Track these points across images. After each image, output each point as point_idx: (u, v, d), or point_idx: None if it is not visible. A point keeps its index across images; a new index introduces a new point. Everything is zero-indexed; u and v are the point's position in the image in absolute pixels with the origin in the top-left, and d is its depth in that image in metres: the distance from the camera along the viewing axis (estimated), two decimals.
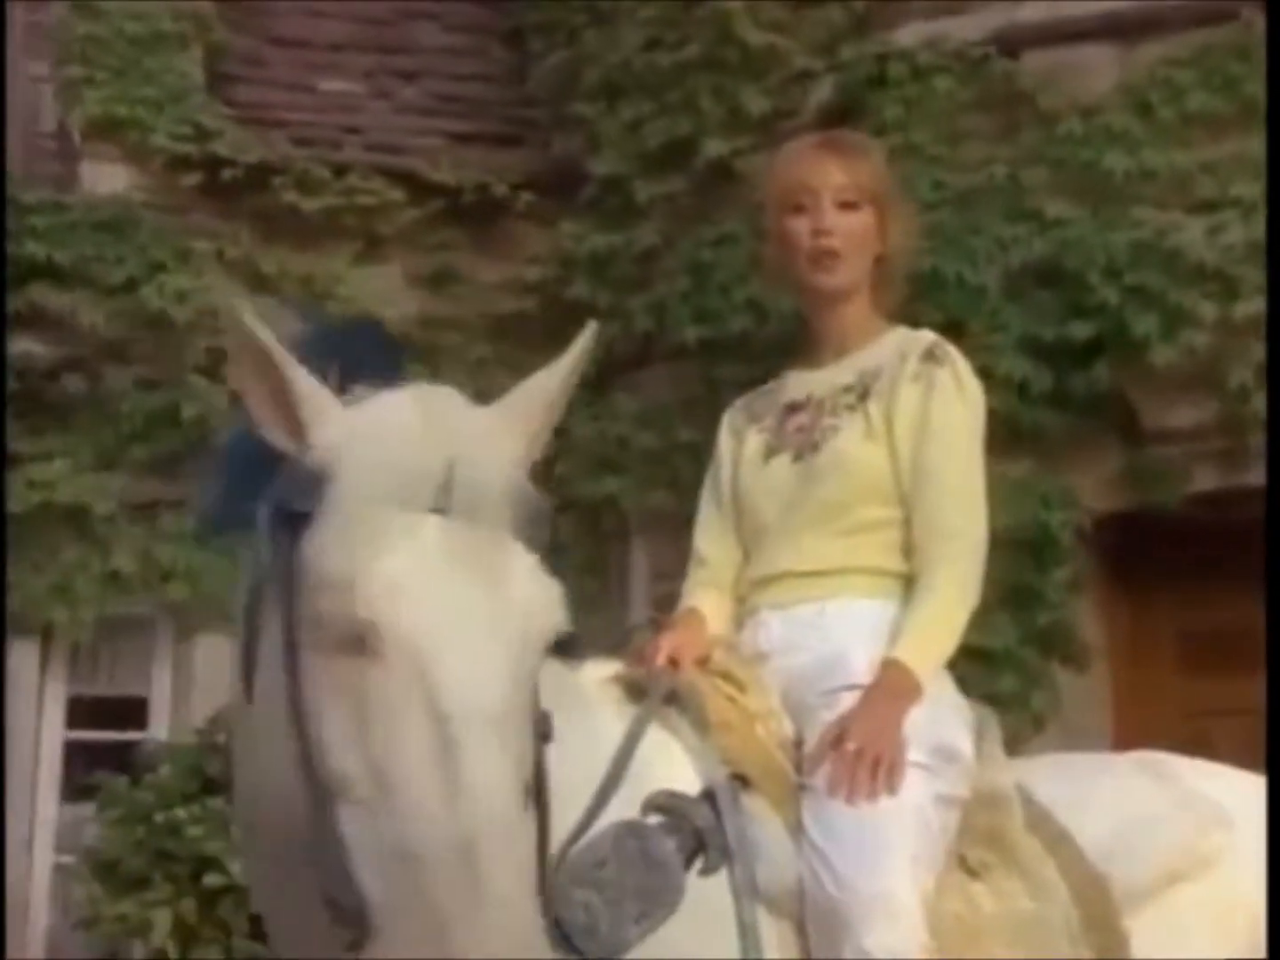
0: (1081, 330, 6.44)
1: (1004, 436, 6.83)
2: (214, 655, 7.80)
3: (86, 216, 8.00)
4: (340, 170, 8.48)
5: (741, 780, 2.42)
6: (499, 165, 8.67)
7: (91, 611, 7.73)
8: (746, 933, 2.28)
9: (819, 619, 2.57)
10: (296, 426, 1.91)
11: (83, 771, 7.37)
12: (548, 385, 2.09)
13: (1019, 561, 6.38)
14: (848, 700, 2.46)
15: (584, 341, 2.13)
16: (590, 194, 8.14)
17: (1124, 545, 6.74)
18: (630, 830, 2.23)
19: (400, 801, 1.69)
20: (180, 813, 6.26)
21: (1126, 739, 5.60)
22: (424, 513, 1.78)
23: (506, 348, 8.25)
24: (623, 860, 2.19)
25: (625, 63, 7.98)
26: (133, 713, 8.07)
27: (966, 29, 7.07)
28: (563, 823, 2.12)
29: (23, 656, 7.82)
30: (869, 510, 2.58)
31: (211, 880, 6.02)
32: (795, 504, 2.63)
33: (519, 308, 8.23)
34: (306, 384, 1.93)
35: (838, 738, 2.38)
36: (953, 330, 6.42)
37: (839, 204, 2.69)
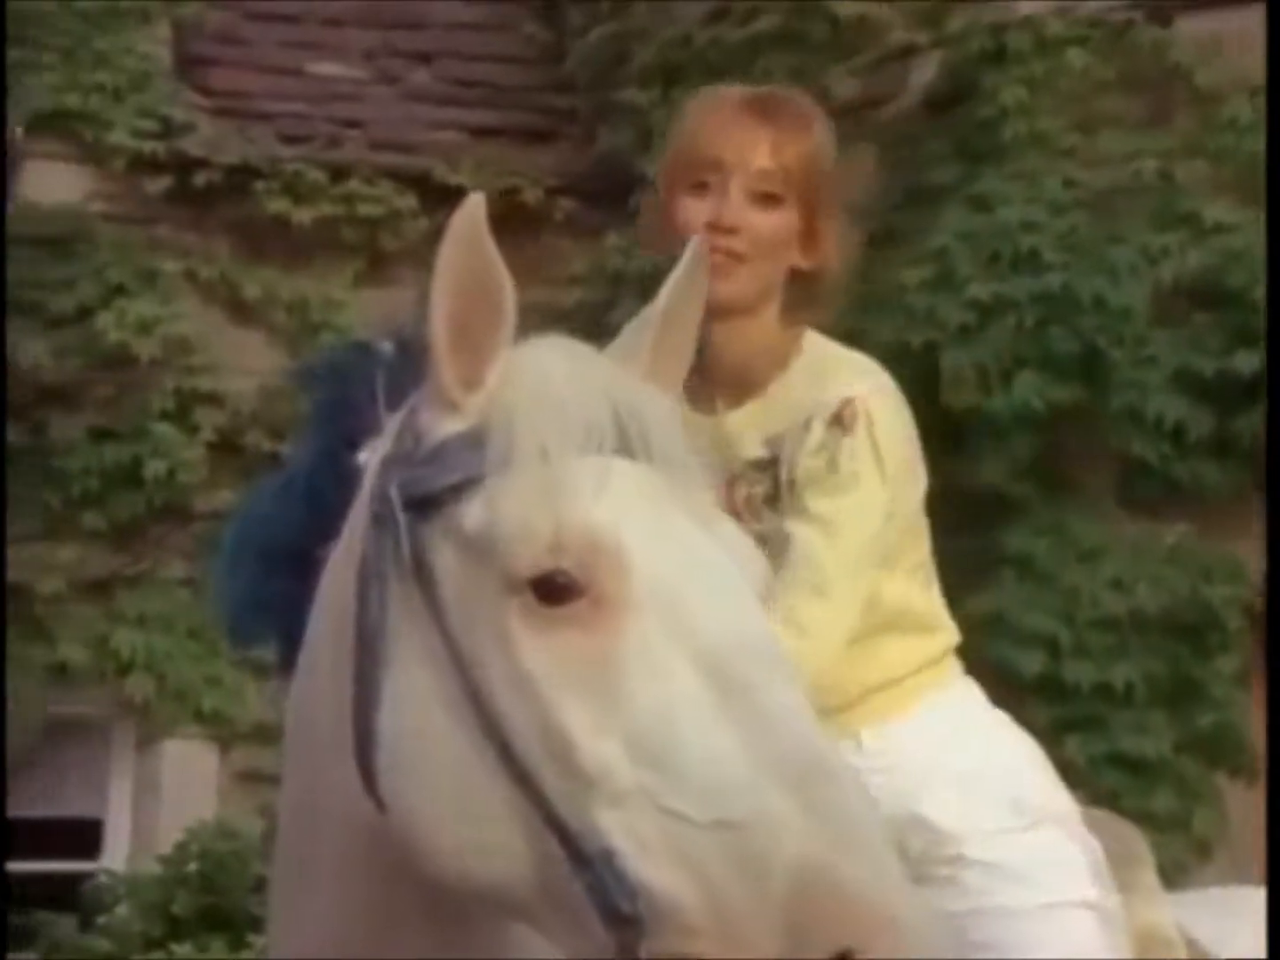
0: (1248, 362, 6.42)
1: (1154, 493, 6.88)
2: (184, 765, 7.83)
3: (28, 231, 8.08)
4: (338, 173, 8.57)
5: None
6: (530, 165, 8.74)
7: (34, 713, 7.78)
8: None
9: None
10: (478, 374, 1.92)
11: (19, 912, 7.38)
12: (648, 322, 2.16)
13: (1175, 649, 6.34)
14: None
15: (690, 258, 2.15)
16: (641, 200, 8.17)
17: None
18: None
19: (691, 771, 1.71)
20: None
21: None
22: (611, 456, 1.84)
23: None
24: None
25: (684, 39, 8.03)
26: (83, 838, 8.09)
27: None
28: None
29: None
30: None
31: None
32: None
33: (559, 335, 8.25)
34: (509, 334, 1.95)
35: None
36: (1091, 362, 6.47)
37: (755, 194, 2.54)
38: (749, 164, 2.52)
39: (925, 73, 7.39)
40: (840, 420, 2.52)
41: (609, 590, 1.78)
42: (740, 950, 1.66)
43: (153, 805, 7.94)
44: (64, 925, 6.76)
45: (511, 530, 1.80)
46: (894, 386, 2.66)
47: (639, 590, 1.78)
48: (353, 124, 8.91)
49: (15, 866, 7.88)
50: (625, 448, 1.85)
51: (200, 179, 8.37)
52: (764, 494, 2.55)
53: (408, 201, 8.53)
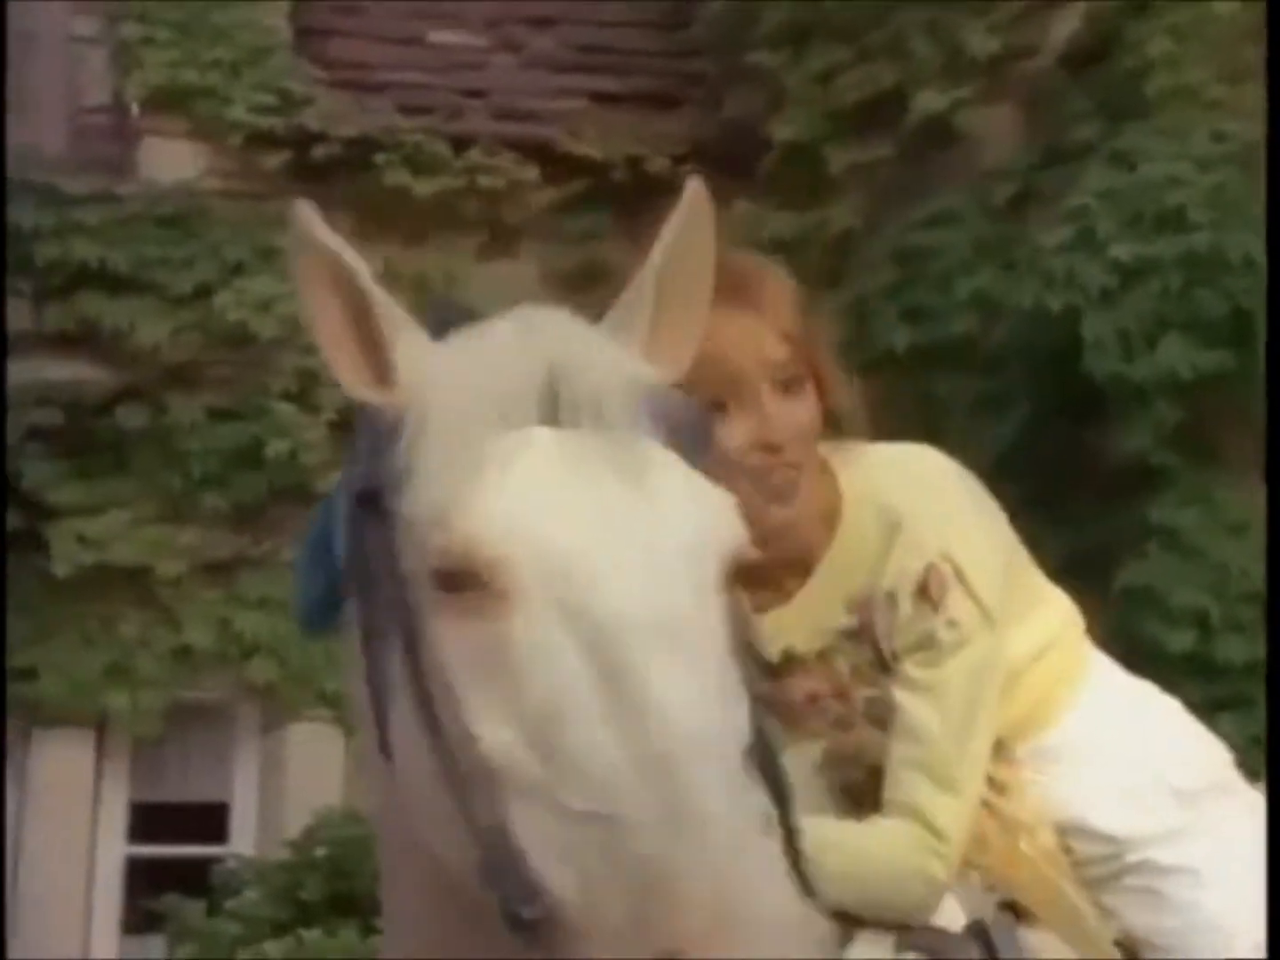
0: None
1: None
2: (309, 748, 7.91)
3: (147, 210, 8.19)
4: (459, 144, 8.60)
5: (1012, 909, 2.44)
6: (656, 133, 8.73)
7: (157, 697, 7.88)
8: None
9: None
10: (382, 367, 1.94)
11: (148, 896, 7.49)
12: (645, 280, 2.06)
13: None
14: None
15: (687, 201, 2.03)
16: (771, 166, 8.15)
17: None
18: None
19: (574, 761, 1.69)
20: (270, 949, 6.33)
21: None
22: (531, 426, 1.83)
23: None
24: None
25: None
26: (210, 822, 8.19)
27: None
28: None
29: (73, 753, 7.98)
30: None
31: None
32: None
33: None
34: (396, 312, 1.98)
35: None
36: (1240, 326, 6.37)
37: (780, 388, 2.41)
38: (766, 363, 2.39)
39: (1066, 26, 7.31)
40: (927, 593, 2.40)
41: (501, 577, 1.76)
42: (614, 952, 1.63)
43: (278, 789, 8.02)
44: (192, 909, 6.84)
45: (414, 520, 1.81)
46: (947, 470, 2.55)
47: (530, 575, 1.76)
48: (473, 93, 8.93)
49: (143, 850, 8.04)
50: (552, 416, 1.83)
51: (319, 153, 8.43)
52: (869, 660, 2.45)
53: (529, 173, 8.55)
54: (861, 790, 2.45)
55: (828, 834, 2.28)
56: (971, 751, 2.39)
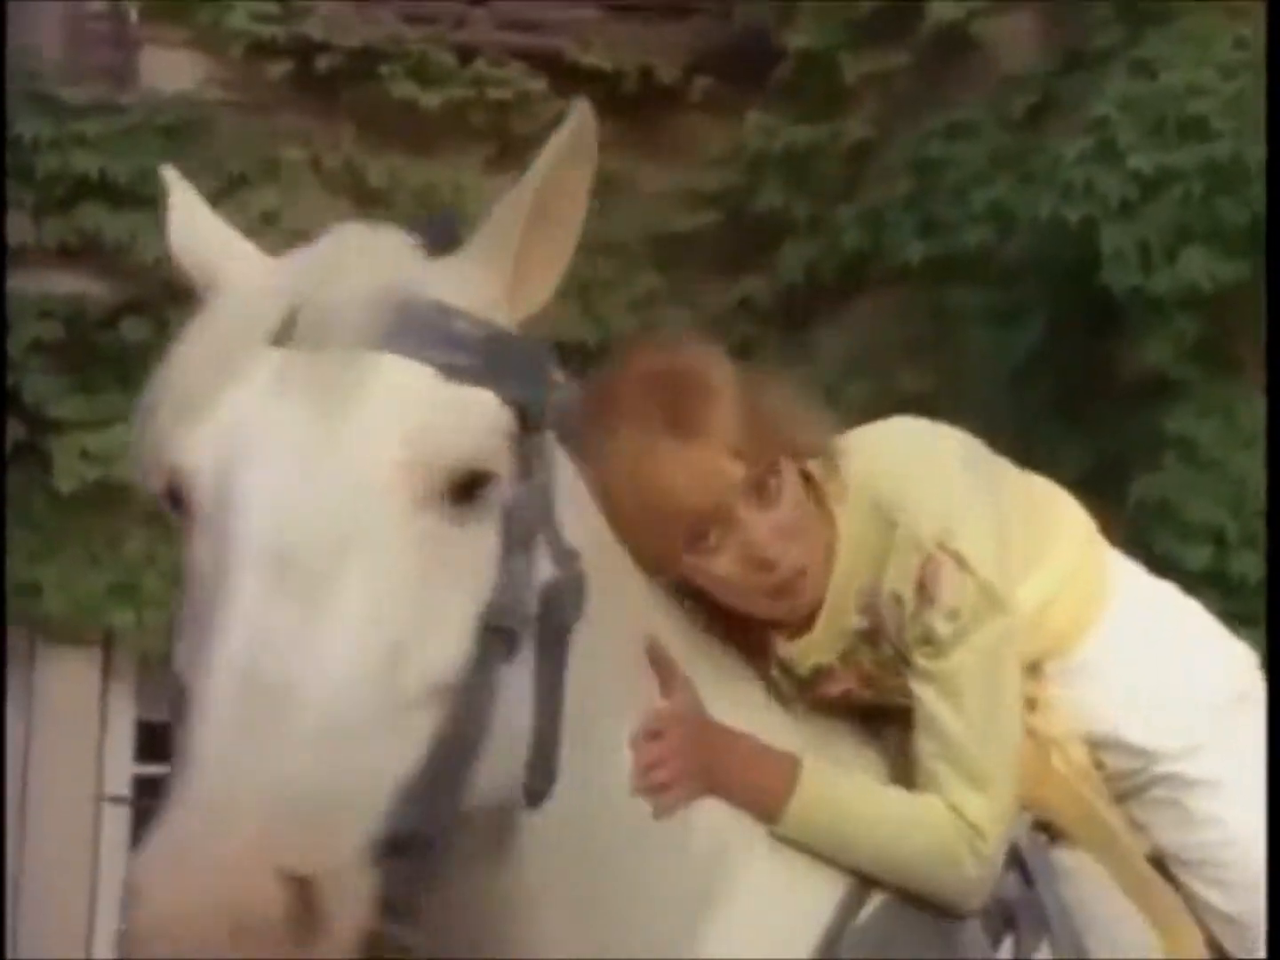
0: None
1: None
2: None
3: (148, 120, 8.15)
4: (466, 54, 8.56)
5: (1045, 829, 2.45)
6: (667, 43, 8.69)
7: (164, 615, 7.90)
8: None
9: None
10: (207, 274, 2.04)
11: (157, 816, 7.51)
12: (521, 199, 2.00)
13: None
14: None
15: (572, 123, 2.00)
16: (784, 75, 8.11)
17: None
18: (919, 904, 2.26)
19: (198, 677, 1.70)
20: None
21: None
22: (259, 348, 1.84)
23: (680, 276, 8.27)
24: (914, 942, 2.22)
25: None
26: None
27: None
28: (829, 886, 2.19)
29: (78, 672, 8.02)
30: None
31: None
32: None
33: (695, 225, 8.25)
34: (222, 225, 2.10)
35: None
36: (1261, 233, 6.34)
37: (753, 497, 2.30)
38: (727, 488, 2.27)
39: None
40: (924, 589, 2.36)
41: (188, 500, 1.82)
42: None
43: None
44: None
45: (139, 450, 1.88)
46: (931, 443, 2.52)
47: (201, 499, 1.80)
48: (479, 2, 8.88)
49: (151, 769, 8.06)
50: (287, 336, 1.84)
51: (322, 63, 8.40)
52: (890, 655, 2.43)
53: (538, 83, 8.51)
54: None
55: (875, 808, 2.30)
56: (998, 738, 2.36)
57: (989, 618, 2.37)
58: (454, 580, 1.79)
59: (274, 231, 7.92)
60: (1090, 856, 2.49)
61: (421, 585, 1.76)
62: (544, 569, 1.88)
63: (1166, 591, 2.77)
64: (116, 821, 8.05)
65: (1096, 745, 2.57)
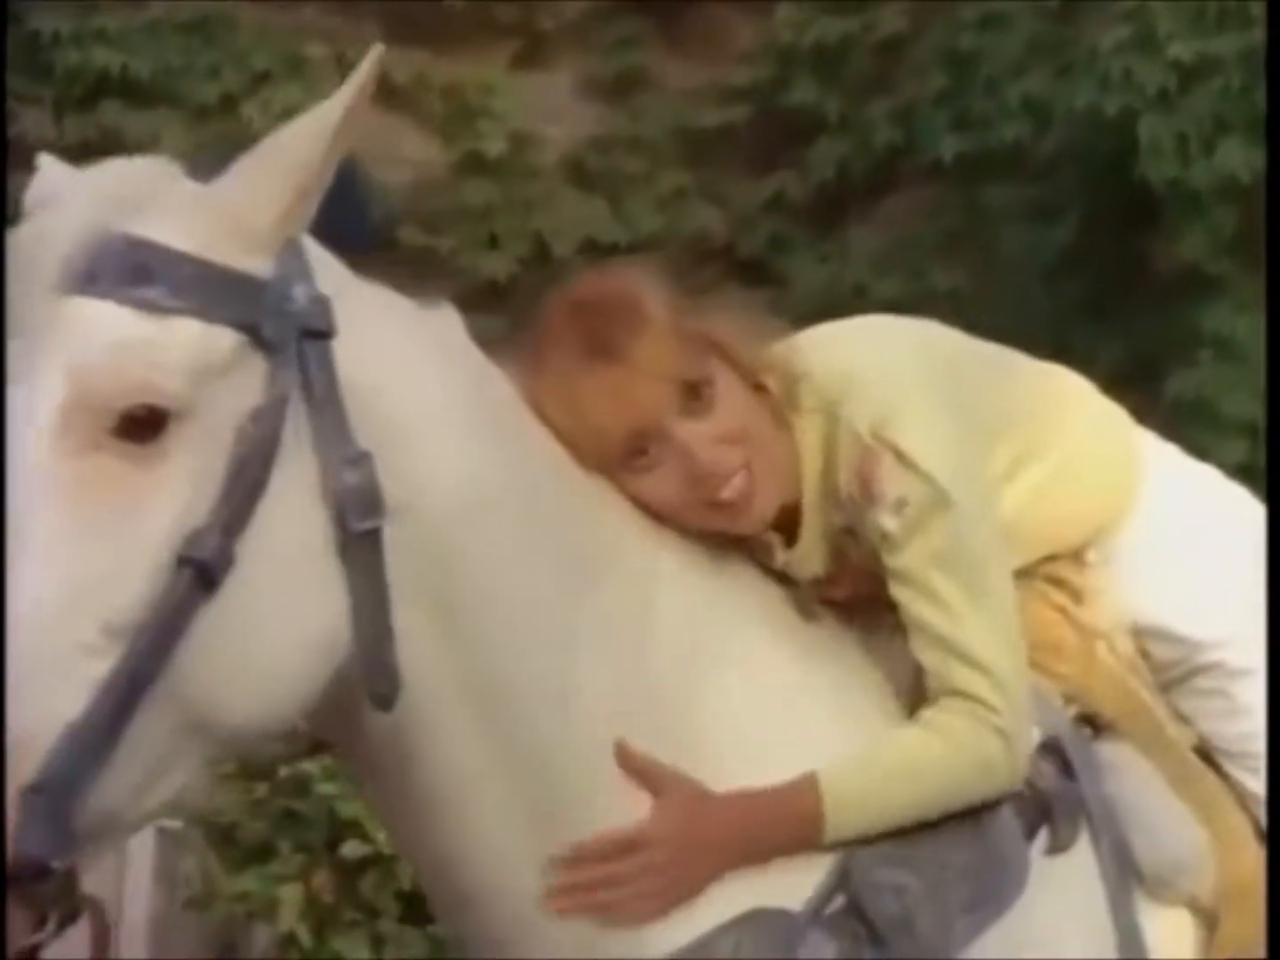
0: None
1: None
2: None
3: (170, 15, 8.11)
4: None
5: (1090, 723, 2.46)
6: None
7: None
8: (1123, 932, 2.29)
9: None
10: None
11: None
12: (301, 133, 2.06)
13: None
14: None
15: (366, 67, 1.99)
16: None
17: None
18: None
19: None
20: (309, 766, 6.38)
21: None
22: (62, 295, 1.88)
23: (709, 174, 8.22)
24: (945, 833, 2.23)
25: None
26: None
27: None
28: None
29: None
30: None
31: (351, 849, 6.12)
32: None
33: (724, 120, 8.17)
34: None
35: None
36: None
37: (686, 412, 2.26)
38: (656, 408, 2.23)
39: None
40: (865, 484, 2.30)
41: None
42: None
43: None
44: None
45: None
46: (885, 337, 2.47)
47: None
48: None
49: None
50: (74, 284, 1.89)
51: None
52: (871, 549, 2.35)
53: None
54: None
55: (898, 763, 2.29)
56: (986, 620, 2.30)
57: (938, 509, 2.34)
58: (137, 520, 1.83)
59: None
60: (1135, 750, 2.48)
61: (101, 527, 1.82)
62: (334, 476, 1.92)
63: (1209, 474, 2.76)
64: None
65: (1142, 634, 2.57)
